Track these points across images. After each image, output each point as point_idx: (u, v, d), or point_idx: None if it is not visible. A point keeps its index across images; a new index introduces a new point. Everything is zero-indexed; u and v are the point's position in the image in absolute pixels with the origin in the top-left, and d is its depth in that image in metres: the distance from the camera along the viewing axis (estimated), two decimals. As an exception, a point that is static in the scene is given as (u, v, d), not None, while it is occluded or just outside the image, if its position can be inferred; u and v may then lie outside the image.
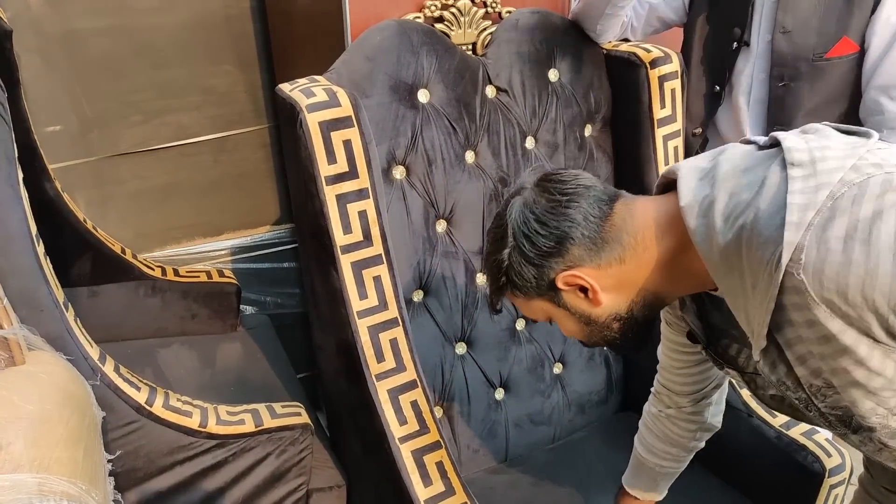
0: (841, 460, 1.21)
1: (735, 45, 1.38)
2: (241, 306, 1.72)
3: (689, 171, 0.70)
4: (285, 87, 1.14)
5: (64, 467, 0.80)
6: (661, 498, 1.12)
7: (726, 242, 0.64)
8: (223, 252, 1.77)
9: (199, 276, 1.67)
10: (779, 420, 1.27)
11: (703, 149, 1.49)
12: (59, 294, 1.02)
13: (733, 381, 1.05)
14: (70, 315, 1.03)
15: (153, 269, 1.62)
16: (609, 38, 1.41)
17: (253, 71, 1.68)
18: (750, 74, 1.38)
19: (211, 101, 1.67)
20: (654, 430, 1.05)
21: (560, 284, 0.74)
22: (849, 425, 0.69)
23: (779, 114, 1.36)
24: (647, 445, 1.07)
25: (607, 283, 0.74)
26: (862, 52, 1.31)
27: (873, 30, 1.29)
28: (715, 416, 1.03)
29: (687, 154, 1.49)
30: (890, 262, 0.56)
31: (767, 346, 0.66)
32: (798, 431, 1.25)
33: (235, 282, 1.68)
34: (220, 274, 1.70)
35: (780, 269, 0.59)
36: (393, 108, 1.24)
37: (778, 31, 1.31)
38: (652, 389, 1.05)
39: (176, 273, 1.65)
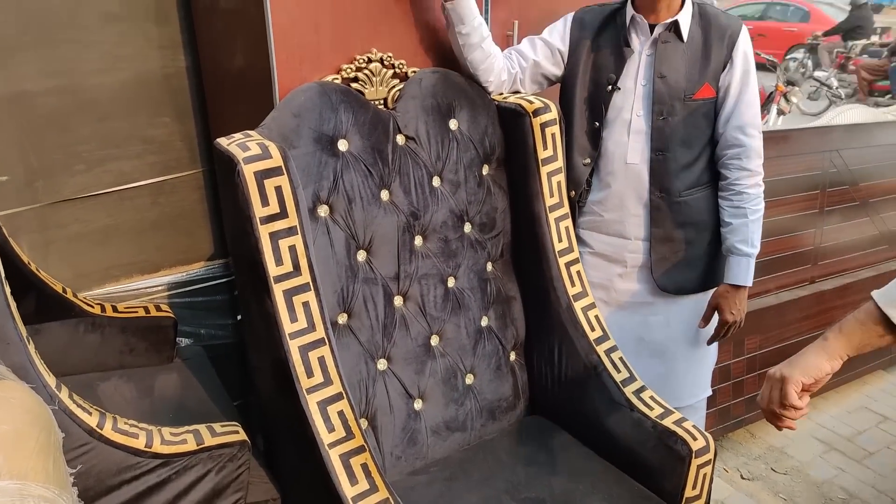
0: (705, 443, 1.40)
1: (610, 88, 1.63)
2: (178, 338, 1.76)
3: None
4: (223, 142, 1.26)
5: (39, 475, 0.89)
6: None
7: None
8: (160, 288, 1.83)
9: (137, 312, 1.71)
10: (655, 412, 1.47)
11: (591, 176, 1.70)
12: (23, 329, 1.11)
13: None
14: (31, 348, 1.12)
15: (93, 307, 1.66)
16: (491, 77, 1.59)
17: (188, 121, 1.79)
18: (629, 110, 1.63)
19: (150, 150, 1.75)
20: None
21: None
22: None
23: (658, 142, 1.61)
24: None
25: None
26: (717, 96, 1.61)
27: (728, 80, 1.59)
28: None
29: (578, 181, 1.69)
30: None
31: None
32: (670, 420, 1.44)
33: (172, 315, 1.73)
34: (158, 308, 1.75)
35: None
36: (317, 157, 1.38)
37: (656, 76, 1.59)
38: None
39: (115, 309, 1.69)
